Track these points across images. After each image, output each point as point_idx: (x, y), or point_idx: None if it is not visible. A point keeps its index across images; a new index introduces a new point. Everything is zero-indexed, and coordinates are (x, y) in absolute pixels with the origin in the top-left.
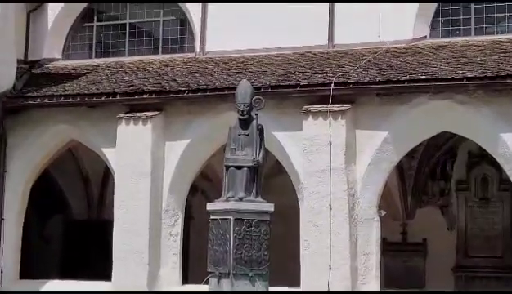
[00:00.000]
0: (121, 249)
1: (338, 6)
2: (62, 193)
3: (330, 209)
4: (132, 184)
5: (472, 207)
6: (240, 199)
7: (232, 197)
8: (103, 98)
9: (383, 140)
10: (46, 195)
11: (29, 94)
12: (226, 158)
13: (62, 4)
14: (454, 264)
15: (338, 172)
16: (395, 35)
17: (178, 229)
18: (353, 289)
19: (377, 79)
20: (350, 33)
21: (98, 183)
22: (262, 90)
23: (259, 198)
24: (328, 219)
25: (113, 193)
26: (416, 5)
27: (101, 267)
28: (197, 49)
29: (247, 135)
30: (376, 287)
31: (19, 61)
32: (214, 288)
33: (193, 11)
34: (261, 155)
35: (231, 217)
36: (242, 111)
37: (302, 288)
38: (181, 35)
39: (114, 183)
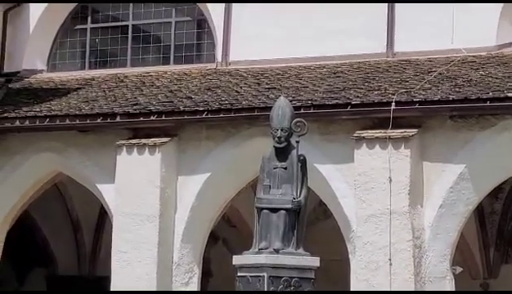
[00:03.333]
0: None
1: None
2: (46, 242)
3: (390, 264)
4: (134, 230)
5: None
6: (277, 251)
7: (266, 248)
8: (99, 120)
9: (458, 176)
10: (25, 244)
11: (5, 115)
12: (257, 198)
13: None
14: None
15: (400, 217)
16: (474, 41)
17: (194, 288)
18: None
19: (451, 97)
20: (415, 39)
21: (91, 229)
22: (302, 110)
23: (301, 250)
24: (387, 277)
25: (110, 243)
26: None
27: None
28: (219, 58)
29: (285, 168)
30: None
31: None
32: None
33: (213, 9)
34: (303, 195)
35: (265, 274)
36: (279, 137)
37: None
38: (199, 40)
39: (111, 229)
